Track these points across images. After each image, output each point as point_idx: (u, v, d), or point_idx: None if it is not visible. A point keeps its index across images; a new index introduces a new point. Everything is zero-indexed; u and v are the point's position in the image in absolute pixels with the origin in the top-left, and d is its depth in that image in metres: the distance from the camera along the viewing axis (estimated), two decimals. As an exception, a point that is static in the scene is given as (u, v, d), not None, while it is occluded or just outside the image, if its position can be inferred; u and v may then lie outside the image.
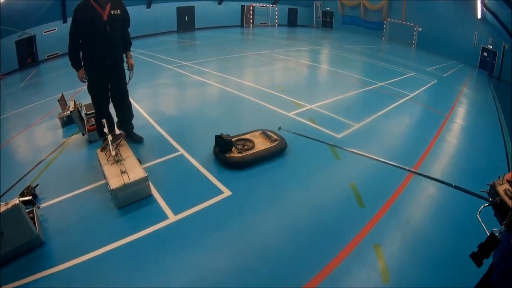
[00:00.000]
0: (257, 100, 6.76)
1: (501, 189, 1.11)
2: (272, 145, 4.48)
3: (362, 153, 4.59)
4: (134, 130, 4.71)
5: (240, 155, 4.19)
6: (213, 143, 4.34)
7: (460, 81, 15.23)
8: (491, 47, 24.35)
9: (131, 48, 4.41)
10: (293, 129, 5.18)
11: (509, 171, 5.47)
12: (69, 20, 4.15)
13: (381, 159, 4.37)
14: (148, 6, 19.90)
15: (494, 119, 9.21)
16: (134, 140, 4.58)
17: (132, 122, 4.67)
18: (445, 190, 4.23)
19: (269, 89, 7.59)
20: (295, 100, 6.91)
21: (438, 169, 4.96)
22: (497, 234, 1.07)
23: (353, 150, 4.43)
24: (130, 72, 4.39)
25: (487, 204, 1.13)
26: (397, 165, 4.18)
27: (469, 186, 4.47)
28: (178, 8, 21.79)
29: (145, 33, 18.94)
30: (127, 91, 4.42)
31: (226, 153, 4.18)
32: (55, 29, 15.68)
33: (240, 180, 3.89)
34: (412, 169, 4.20)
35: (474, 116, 9.22)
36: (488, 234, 1.08)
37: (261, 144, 4.54)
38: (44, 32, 15.42)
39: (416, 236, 3.21)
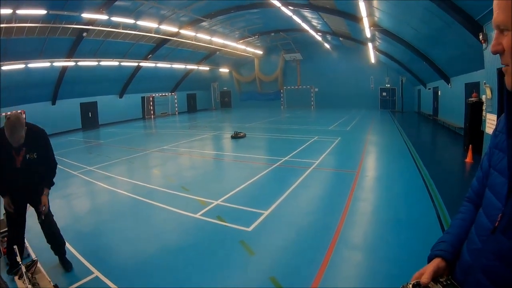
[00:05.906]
0: (164, 206, 6.83)
1: None
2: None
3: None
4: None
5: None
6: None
7: (363, 129, 17.50)
8: (388, 85, 29.24)
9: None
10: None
11: (433, 205, 6.07)
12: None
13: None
14: (53, 103, 21.53)
15: (406, 156, 10.56)
16: (63, 266, 4.46)
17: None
18: (371, 257, 4.49)
19: (175, 191, 7.78)
20: (201, 199, 7.00)
21: (359, 233, 5.27)
22: None
23: None
24: (42, 211, 4.11)
25: None
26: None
27: (398, 237, 4.91)
28: (82, 104, 24.00)
29: (52, 132, 19.33)
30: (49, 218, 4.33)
31: None
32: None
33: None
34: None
35: (385, 161, 10.41)
36: None
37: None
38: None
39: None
